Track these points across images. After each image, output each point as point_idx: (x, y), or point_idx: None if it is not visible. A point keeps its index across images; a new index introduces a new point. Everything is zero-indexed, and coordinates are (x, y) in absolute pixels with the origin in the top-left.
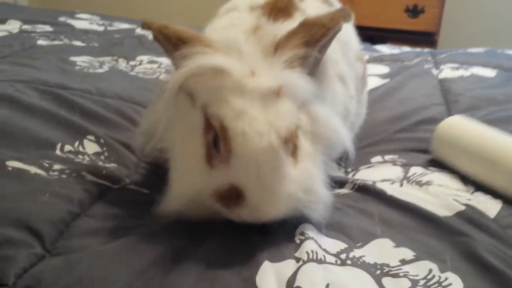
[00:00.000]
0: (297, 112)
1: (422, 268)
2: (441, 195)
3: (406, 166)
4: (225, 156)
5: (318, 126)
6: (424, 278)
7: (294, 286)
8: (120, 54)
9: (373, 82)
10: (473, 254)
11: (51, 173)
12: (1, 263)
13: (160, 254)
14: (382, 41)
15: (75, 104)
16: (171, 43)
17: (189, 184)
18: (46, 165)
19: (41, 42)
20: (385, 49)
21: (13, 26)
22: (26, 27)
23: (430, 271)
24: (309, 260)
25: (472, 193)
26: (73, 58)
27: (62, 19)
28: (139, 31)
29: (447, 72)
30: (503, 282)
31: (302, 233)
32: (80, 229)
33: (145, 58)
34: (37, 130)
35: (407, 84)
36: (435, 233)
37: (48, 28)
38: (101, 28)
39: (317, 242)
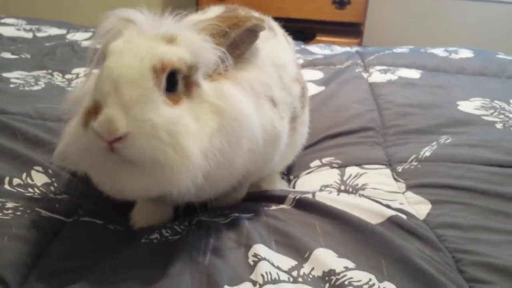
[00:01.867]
0: (190, 61)
1: (363, 278)
2: (375, 200)
3: (342, 167)
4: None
5: (222, 101)
6: (367, 283)
7: None
8: (54, 66)
9: (310, 89)
10: (405, 260)
11: (5, 211)
12: None
13: None
14: (312, 33)
15: (17, 131)
16: None
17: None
18: None
19: None
20: (317, 49)
21: None
22: None
23: (370, 280)
24: (265, 282)
25: (403, 192)
26: (6, 75)
27: None
28: (70, 37)
29: (376, 75)
30: (434, 285)
31: (255, 255)
32: (42, 271)
33: (81, 70)
34: None
35: (342, 91)
36: (371, 242)
37: None
38: (30, 35)
39: (269, 262)
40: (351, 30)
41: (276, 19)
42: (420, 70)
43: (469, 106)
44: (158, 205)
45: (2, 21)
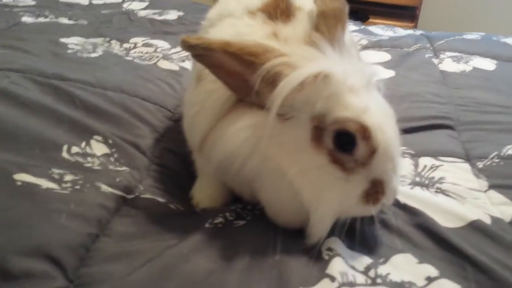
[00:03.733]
0: None
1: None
2: (454, 200)
3: (415, 157)
4: (365, 154)
5: None
6: None
7: None
8: (112, 34)
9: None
10: (491, 271)
11: (64, 185)
12: None
13: (187, 281)
14: (365, 15)
15: (76, 98)
16: (242, 60)
17: (332, 200)
18: (57, 176)
19: (26, 18)
20: (379, 30)
21: None
22: (6, 0)
23: None
24: (342, 284)
25: (485, 191)
26: (63, 40)
27: None
28: (126, 6)
29: (448, 63)
30: None
31: (330, 249)
32: (101, 253)
33: (139, 40)
34: (39, 130)
35: (411, 77)
36: (450, 248)
37: (30, 1)
38: (86, 1)
39: (344, 259)
40: (405, 13)
41: None
42: (495, 60)
43: None
44: (221, 185)
45: None
